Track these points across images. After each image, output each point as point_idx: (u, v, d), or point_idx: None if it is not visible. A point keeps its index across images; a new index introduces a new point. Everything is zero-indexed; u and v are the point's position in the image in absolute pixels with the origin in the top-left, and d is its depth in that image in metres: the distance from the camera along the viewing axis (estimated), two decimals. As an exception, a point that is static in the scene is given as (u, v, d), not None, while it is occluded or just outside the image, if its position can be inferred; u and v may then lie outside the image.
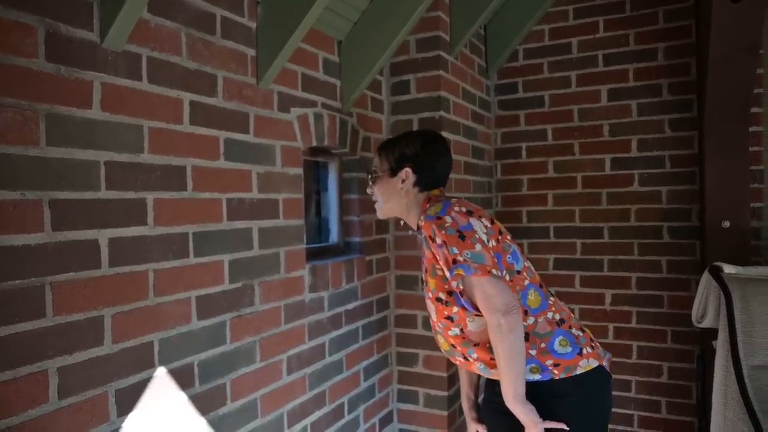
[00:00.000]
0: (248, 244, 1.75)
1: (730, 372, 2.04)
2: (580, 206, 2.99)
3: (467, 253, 1.40)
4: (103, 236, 1.29)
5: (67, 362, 1.20)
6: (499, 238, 1.51)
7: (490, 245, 1.46)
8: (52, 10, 1.19)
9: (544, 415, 1.46)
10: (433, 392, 2.57)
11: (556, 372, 1.49)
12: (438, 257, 1.46)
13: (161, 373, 1.43)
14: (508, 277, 1.48)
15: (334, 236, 2.43)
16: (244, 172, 1.73)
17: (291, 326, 1.94)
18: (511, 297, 1.39)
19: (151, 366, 1.41)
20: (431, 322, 1.65)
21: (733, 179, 2.48)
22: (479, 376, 1.80)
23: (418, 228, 1.60)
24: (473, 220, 1.46)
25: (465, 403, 1.84)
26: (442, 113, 2.52)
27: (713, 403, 2.16)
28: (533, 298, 1.54)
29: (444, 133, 2.53)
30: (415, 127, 2.56)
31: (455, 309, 1.49)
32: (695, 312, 2.30)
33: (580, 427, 1.48)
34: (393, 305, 2.64)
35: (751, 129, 2.51)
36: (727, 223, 2.48)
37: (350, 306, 2.31)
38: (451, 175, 2.62)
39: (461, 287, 1.42)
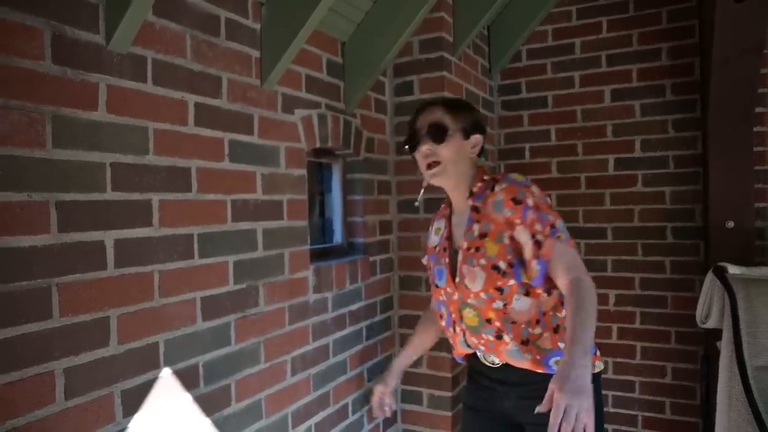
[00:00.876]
0: (253, 245, 1.75)
1: (734, 373, 2.04)
2: (583, 207, 2.99)
3: (559, 222, 1.44)
4: (108, 237, 1.29)
5: (73, 363, 1.21)
6: None
7: None
8: (58, 13, 1.19)
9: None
10: (437, 393, 2.57)
11: None
12: (523, 220, 1.43)
13: (166, 374, 1.44)
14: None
15: (338, 237, 2.43)
16: (248, 174, 1.74)
17: (295, 327, 1.94)
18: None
19: (157, 367, 1.41)
20: (452, 299, 1.58)
21: (737, 179, 2.48)
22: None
23: (472, 194, 1.57)
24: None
25: (397, 365, 1.91)
26: (445, 114, 2.52)
27: (717, 404, 2.16)
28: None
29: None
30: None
31: (511, 282, 1.46)
32: (699, 313, 2.30)
33: (596, 426, 1.50)
34: (397, 306, 2.65)
35: (755, 129, 2.50)
36: (731, 224, 2.48)
37: (354, 307, 2.31)
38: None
39: (545, 252, 1.41)
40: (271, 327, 1.83)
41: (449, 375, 2.54)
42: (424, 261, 1.82)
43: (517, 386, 1.57)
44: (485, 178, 1.60)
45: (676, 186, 2.79)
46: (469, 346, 1.62)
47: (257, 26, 1.78)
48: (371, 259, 2.44)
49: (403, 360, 1.99)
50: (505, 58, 3.06)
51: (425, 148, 1.55)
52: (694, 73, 2.74)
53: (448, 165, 1.55)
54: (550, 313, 1.53)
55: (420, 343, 1.99)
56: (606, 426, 2.94)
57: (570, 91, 3.00)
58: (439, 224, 1.74)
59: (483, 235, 1.52)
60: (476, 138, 1.60)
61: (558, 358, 1.49)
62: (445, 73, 2.52)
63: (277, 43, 1.77)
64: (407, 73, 2.58)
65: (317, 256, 2.20)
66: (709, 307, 2.23)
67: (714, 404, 2.23)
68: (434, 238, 1.74)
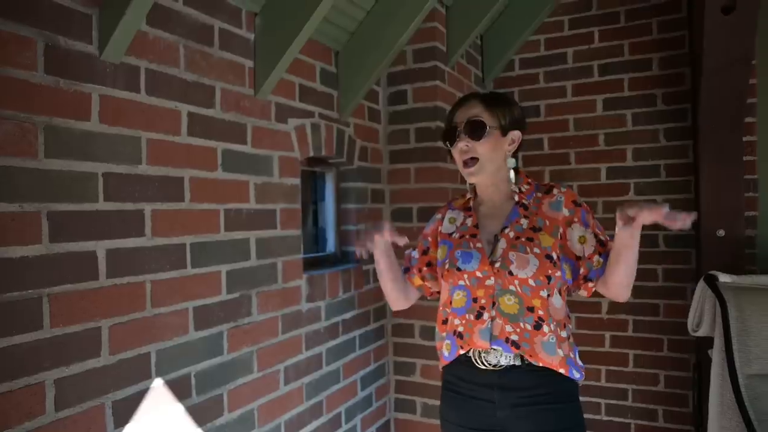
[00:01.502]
0: (246, 255, 1.75)
1: (726, 380, 2.05)
2: (576, 215, 3.00)
3: None
4: (100, 248, 1.29)
5: (64, 374, 1.20)
6: None
7: None
8: (51, 23, 1.19)
9: (563, 418, 1.52)
10: (431, 401, 2.56)
11: (583, 374, 1.57)
12: (582, 220, 1.56)
13: (158, 385, 1.43)
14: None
15: (331, 246, 2.43)
16: (241, 183, 1.74)
17: (288, 336, 1.94)
18: None
19: (148, 377, 1.41)
20: (488, 283, 1.53)
21: (728, 188, 2.50)
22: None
23: (521, 192, 1.61)
24: None
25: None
26: (439, 123, 2.53)
27: (709, 411, 2.17)
28: None
29: (441, 143, 2.54)
30: (413, 137, 2.58)
31: (558, 273, 1.52)
32: (691, 320, 2.31)
33: (583, 429, 1.57)
34: (390, 314, 2.64)
35: (745, 138, 2.53)
36: (722, 232, 2.50)
37: (347, 315, 2.31)
38: (449, 185, 2.65)
39: (602, 249, 1.56)
40: (264, 336, 1.82)
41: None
42: (415, 253, 1.73)
43: (514, 390, 1.52)
44: (530, 181, 1.66)
45: (668, 194, 2.81)
46: (491, 337, 1.52)
47: (251, 36, 1.78)
48: (364, 268, 2.44)
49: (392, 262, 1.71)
50: (498, 67, 3.08)
51: (463, 144, 1.54)
52: (685, 82, 2.77)
53: (485, 162, 1.54)
54: (569, 322, 1.59)
55: (397, 286, 1.74)
56: (599, 434, 2.95)
57: (562, 101, 3.02)
58: (454, 215, 1.70)
59: (536, 229, 1.56)
60: (514, 134, 1.58)
61: (570, 365, 1.53)
62: (438, 82, 2.53)
63: (271, 53, 1.77)
64: (401, 82, 2.59)
65: (310, 265, 2.19)
66: (701, 315, 2.24)
67: (706, 412, 2.24)
68: (448, 226, 1.69)
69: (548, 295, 1.50)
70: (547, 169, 3.05)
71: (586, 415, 2.99)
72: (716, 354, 2.13)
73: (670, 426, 2.81)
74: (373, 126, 2.55)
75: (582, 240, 1.56)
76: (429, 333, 2.55)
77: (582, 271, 1.56)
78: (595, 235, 1.57)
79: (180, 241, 1.51)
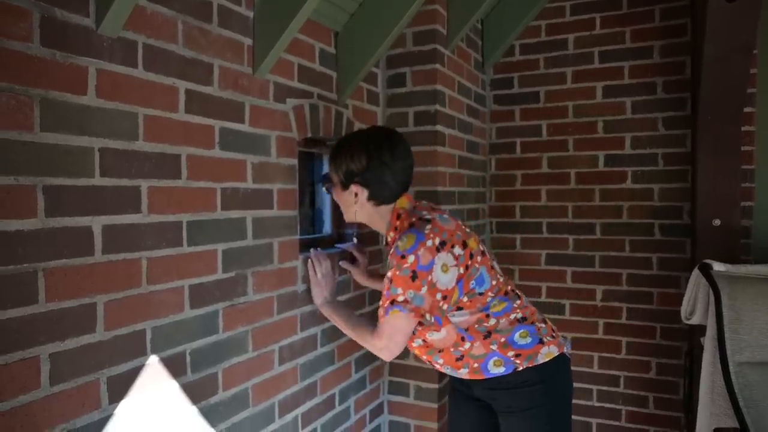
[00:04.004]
0: (242, 234, 1.75)
1: (717, 368, 2.07)
2: (573, 202, 3.01)
3: (410, 293, 1.50)
4: (96, 223, 1.28)
5: (59, 348, 1.20)
6: (469, 263, 1.56)
7: (454, 274, 1.51)
8: (48, -5, 1.18)
9: (522, 402, 1.61)
10: (424, 384, 2.58)
11: (518, 362, 1.59)
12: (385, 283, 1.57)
13: (153, 361, 1.44)
14: (453, 307, 1.57)
15: (327, 227, 2.43)
16: (238, 162, 1.73)
17: (283, 316, 1.94)
18: (401, 345, 1.58)
19: (144, 354, 1.41)
20: None
21: (725, 178, 2.50)
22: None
23: (387, 244, 1.68)
24: (440, 255, 1.50)
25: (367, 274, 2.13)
26: (437, 107, 2.52)
27: (700, 398, 2.19)
28: (497, 305, 1.62)
29: (439, 127, 2.54)
30: (411, 120, 2.57)
31: (417, 327, 1.59)
32: (684, 309, 2.33)
33: (553, 407, 1.63)
34: (385, 298, 2.65)
35: (743, 128, 2.53)
36: (717, 222, 2.51)
37: (343, 297, 2.31)
38: (446, 169, 2.64)
39: (380, 319, 1.58)
40: (260, 316, 1.82)
41: (436, 367, 2.55)
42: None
43: (478, 382, 1.70)
44: (397, 224, 1.66)
45: (665, 183, 2.82)
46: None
47: (250, 14, 1.76)
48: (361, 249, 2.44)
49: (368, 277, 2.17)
50: (498, 52, 3.06)
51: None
52: (685, 71, 2.76)
53: (343, 209, 1.74)
54: (475, 326, 1.60)
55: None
56: (590, 420, 2.98)
57: (562, 87, 3.01)
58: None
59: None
60: (355, 188, 1.64)
61: (496, 358, 1.59)
62: (438, 65, 2.51)
63: (270, 32, 1.75)
64: (400, 64, 2.58)
65: (307, 245, 2.19)
66: (694, 303, 2.26)
67: (696, 399, 2.26)
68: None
69: (423, 340, 1.63)
70: (545, 156, 3.05)
71: (577, 401, 3.02)
72: (708, 342, 2.15)
73: (661, 413, 2.85)
74: (371, 108, 2.54)
75: None
76: (424, 317, 2.56)
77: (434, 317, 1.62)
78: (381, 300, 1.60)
79: (176, 218, 1.50)
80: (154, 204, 1.43)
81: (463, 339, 1.60)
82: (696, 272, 2.25)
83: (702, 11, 2.31)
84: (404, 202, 1.67)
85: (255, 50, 1.77)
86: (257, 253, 1.81)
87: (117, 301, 1.33)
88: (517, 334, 1.60)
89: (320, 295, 1.91)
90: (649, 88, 2.83)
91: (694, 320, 2.27)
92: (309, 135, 2.09)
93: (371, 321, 1.71)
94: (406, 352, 2.61)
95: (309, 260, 1.95)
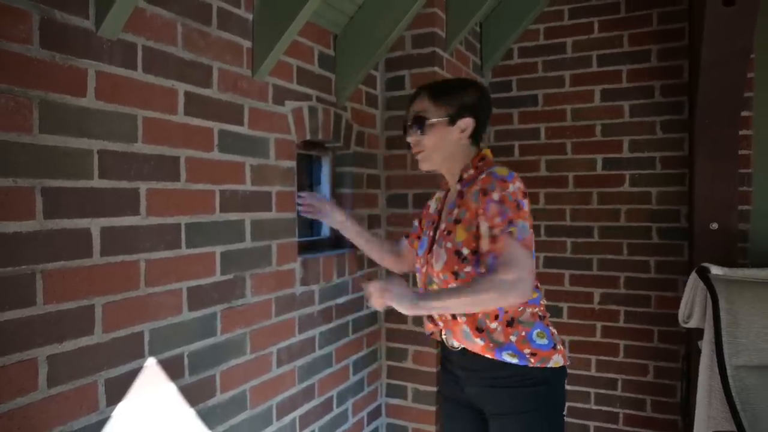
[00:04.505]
0: (240, 236, 1.75)
1: (714, 371, 2.07)
2: (571, 205, 3.01)
3: (520, 222, 1.42)
4: (95, 225, 1.28)
5: (56, 351, 1.20)
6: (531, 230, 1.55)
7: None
8: (48, -3, 1.18)
9: (518, 403, 1.54)
10: (422, 387, 2.58)
11: (532, 360, 1.54)
12: (485, 211, 1.45)
13: (151, 364, 1.43)
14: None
15: (325, 230, 2.43)
16: (237, 164, 1.73)
17: (281, 319, 1.94)
18: (529, 280, 1.39)
19: (141, 356, 1.41)
20: (423, 271, 1.65)
21: (722, 182, 2.51)
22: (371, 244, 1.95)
23: (461, 180, 1.60)
24: (526, 202, 1.49)
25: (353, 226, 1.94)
26: (436, 110, 2.52)
27: (697, 401, 2.20)
28: (533, 293, 1.57)
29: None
30: (409, 123, 2.57)
31: (467, 269, 1.50)
32: (682, 312, 2.33)
33: (549, 414, 1.57)
34: (383, 300, 2.65)
35: (740, 132, 2.54)
36: (715, 225, 2.51)
37: (341, 300, 2.31)
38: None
39: (498, 247, 1.40)
40: (258, 318, 1.82)
41: (434, 370, 2.55)
42: (416, 223, 1.90)
43: (475, 372, 1.61)
44: (479, 164, 1.62)
45: (663, 187, 2.82)
46: (431, 319, 1.68)
47: (249, 16, 1.77)
48: (359, 252, 2.44)
49: (357, 231, 1.96)
50: (497, 55, 3.07)
51: (411, 138, 1.64)
52: (683, 75, 2.77)
53: (432, 153, 1.61)
54: (509, 310, 1.54)
55: (373, 246, 1.98)
56: (588, 423, 2.98)
57: (560, 90, 3.01)
58: (440, 194, 1.80)
59: (457, 221, 1.55)
60: (464, 122, 1.59)
61: (510, 351, 1.52)
62: (436, 68, 2.52)
63: (269, 34, 1.76)
64: (399, 67, 2.58)
65: (305, 248, 2.19)
66: (692, 306, 2.27)
67: (693, 403, 2.26)
68: (432, 204, 1.82)
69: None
70: (543, 159, 3.06)
71: (575, 404, 3.03)
72: (705, 345, 2.16)
73: (658, 416, 2.85)
74: (370, 111, 2.54)
75: (483, 236, 1.47)
76: (421, 320, 2.56)
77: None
78: (491, 229, 1.44)
79: (175, 220, 1.50)
80: (152, 206, 1.43)
81: (496, 317, 1.51)
82: (694, 276, 2.26)
83: (700, 15, 2.32)
84: (488, 151, 1.66)
85: (254, 52, 1.78)
86: (255, 256, 1.81)
87: (115, 303, 1.33)
88: (535, 332, 1.55)
89: (402, 296, 1.40)
90: (647, 92, 2.84)
91: (692, 323, 2.28)
92: (308, 137, 2.09)
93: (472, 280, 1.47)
94: (404, 354, 2.61)
95: (367, 283, 1.52)
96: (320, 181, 2.43)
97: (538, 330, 1.56)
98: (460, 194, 1.60)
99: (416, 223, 1.91)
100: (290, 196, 1.99)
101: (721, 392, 2.01)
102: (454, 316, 1.57)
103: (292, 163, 1.99)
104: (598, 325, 2.96)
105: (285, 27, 1.73)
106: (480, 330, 1.53)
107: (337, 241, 2.44)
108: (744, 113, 2.57)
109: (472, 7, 2.58)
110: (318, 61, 2.15)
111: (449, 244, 1.54)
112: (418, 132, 1.60)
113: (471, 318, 1.54)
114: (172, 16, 1.48)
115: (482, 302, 1.38)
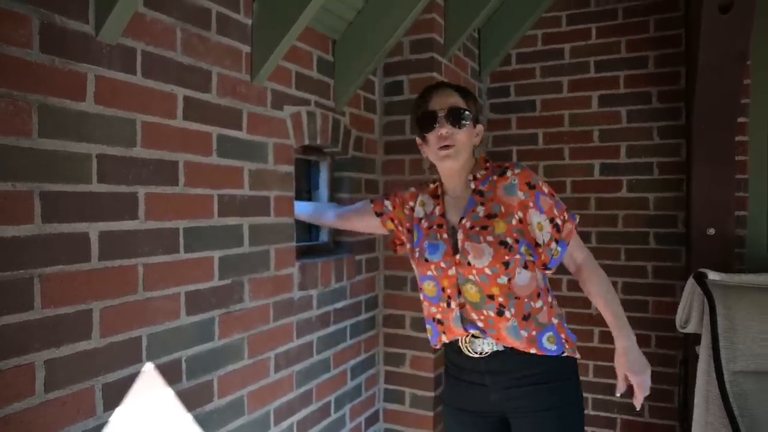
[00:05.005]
0: (238, 241, 1.74)
1: (711, 377, 2.08)
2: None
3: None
4: (93, 229, 1.28)
5: (54, 355, 1.20)
6: None
7: None
8: (47, 1, 1.18)
9: (562, 394, 1.56)
10: (420, 393, 2.58)
11: (566, 347, 1.57)
12: (536, 204, 1.54)
13: (149, 368, 1.43)
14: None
15: (324, 235, 2.43)
16: (236, 169, 1.73)
17: (279, 324, 1.94)
18: None
19: (139, 361, 1.40)
20: (449, 274, 1.58)
21: (719, 187, 2.52)
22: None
23: (476, 179, 1.62)
24: None
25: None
26: (434, 115, 2.52)
27: (695, 407, 2.20)
28: (550, 288, 1.67)
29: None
30: (408, 128, 2.57)
31: (516, 256, 1.52)
32: (679, 317, 2.34)
33: (581, 407, 1.61)
34: (381, 305, 2.65)
35: (737, 138, 2.55)
36: (712, 231, 2.52)
37: (339, 305, 2.31)
38: (443, 178, 2.64)
39: (566, 235, 1.56)
40: (255, 323, 1.82)
41: (431, 375, 2.55)
42: (389, 203, 1.83)
43: (504, 374, 1.58)
44: (487, 165, 1.66)
45: (660, 192, 2.83)
46: (463, 323, 1.59)
47: (248, 21, 1.77)
48: (357, 257, 2.44)
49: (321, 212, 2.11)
50: (495, 61, 3.08)
51: (444, 130, 1.56)
52: (680, 81, 2.79)
53: (461, 149, 1.58)
54: (547, 290, 1.61)
55: (319, 216, 2.10)
56: (586, 429, 2.97)
57: (558, 96, 3.03)
58: (425, 199, 1.74)
59: (491, 216, 1.55)
60: (480, 127, 1.66)
61: (551, 333, 1.55)
62: (435, 74, 2.53)
63: (268, 39, 1.76)
64: (397, 72, 2.59)
65: (303, 253, 2.19)
66: (689, 312, 2.27)
67: (691, 408, 2.27)
68: (419, 210, 1.74)
69: (509, 279, 1.53)
70: (541, 164, 3.06)
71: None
72: (703, 351, 2.16)
73: (656, 421, 2.85)
74: (368, 116, 2.55)
75: (540, 227, 1.55)
76: (419, 324, 2.56)
77: (543, 257, 1.57)
78: (551, 220, 1.55)
79: (173, 225, 1.50)
80: (151, 210, 1.43)
81: (538, 295, 1.55)
82: (691, 281, 2.26)
83: (696, 22, 2.34)
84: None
85: (253, 58, 1.78)
86: (254, 260, 1.81)
87: (113, 308, 1.33)
88: (564, 322, 1.62)
89: (640, 358, 1.63)
90: (644, 98, 2.86)
91: (689, 329, 2.28)
92: (306, 142, 2.10)
93: (600, 278, 1.64)
94: (401, 359, 2.60)
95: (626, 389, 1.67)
96: (318, 186, 2.43)
97: (564, 320, 1.64)
98: (479, 192, 1.60)
99: (389, 205, 1.82)
100: (288, 201, 1.99)
101: (719, 398, 2.01)
102: (500, 313, 1.53)
103: (290, 168, 2.00)
104: (596, 330, 2.96)
105: (284, 32, 1.74)
106: (526, 317, 1.53)
107: (335, 246, 2.44)
108: (740, 119, 2.58)
109: (470, 12, 2.59)
110: (317, 67, 2.15)
111: (490, 238, 1.52)
112: (457, 125, 1.56)
113: (519, 308, 1.53)
114: (171, 21, 1.49)
115: (612, 288, 1.66)
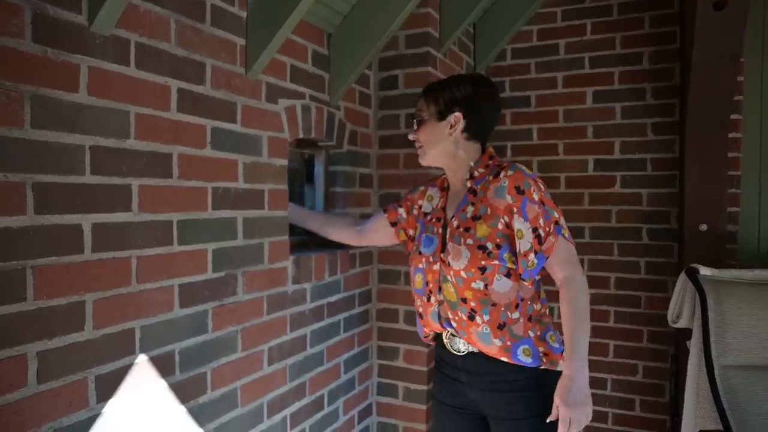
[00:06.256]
0: (232, 234, 1.74)
1: (702, 371, 2.10)
2: (562, 206, 3.00)
3: (562, 221, 1.53)
4: (86, 221, 1.28)
5: (46, 347, 1.20)
6: None
7: None
8: (40, -9, 1.17)
9: (530, 406, 1.53)
10: (413, 386, 2.59)
11: (543, 361, 1.53)
12: (521, 211, 1.49)
13: (142, 361, 1.43)
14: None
15: (318, 229, 2.42)
16: (230, 162, 1.73)
17: (273, 317, 1.94)
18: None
19: (132, 353, 1.40)
20: (432, 269, 1.59)
21: (712, 184, 2.54)
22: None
23: (472, 177, 1.60)
24: None
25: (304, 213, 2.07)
26: (429, 109, 2.52)
27: (685, 401, 2.22)
28: (542, 293, 1.63)
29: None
30: (403, 122, 2.58)
31: (494, 261, 1.50)
32: (671, 312, 2.35)
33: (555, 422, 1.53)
34: (375, 299, 2.66)
35: (730, 135, 2.56)
36: (704, 227, 2.54)
37: (333, 299, 2.32)
38: (438, 172, 2.64)
39: (547, 248, 1.49)
40: (249, 316, 1.82)
41: (425, 369, 2.56)
42: (402, 212, 1.87)
43: (481, 377, 1.59)
44: (489, 163, 1.63)
45: (653, 188, 2.85)
46: (440, 319, 1.61)
47: (243, 14, 1.77)
48: (351, 251, 2.44)
49: (312, 217, 2.11)
50: (490, 56, 3.08)
51: (411, 136, 1.72)
52: (674, 78, 2.80)
53: (426, 149, 1.66)
54: (528, 302, 1.56)
55: (331, 227, 2.07)
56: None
57: (553, 92, 3.03)
58: (433, 192, 1.78)
59: (476, 218, 1.55)
60: (454, 116, 1.60)
61: (526, 346, 1.52)
62: (430, 68, 2.52)
63: (263, 32, 1.76)
64: (392, 67, 2.58)
65: (297, 246, 2.19)
66: (681, 307, 2.29)
67: (682, 402, 2.29)
68: (426, 204, 1.78)
69: (486, 285, 1.51)
70: (536, 160, 3.07)
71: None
72: (694, 345, 2.18)
73: (647, 415, 2.87)
74: (363, 110, 2.54)
75: (519, 235, 1.49)
76: (413, 318, 2.57)
77: (518, 267, 1.51)
78: (534, 230, 1.49)
79: (167, 217, 1.50)
80: (144, 203, 1.43)
81: (517, 306, 1.52)
82: (683, 276, 2.28)
83: (691, 18, 2.35)
84: (492, 150, 1.68)
85: (248, 50, 1.78)
86: (248, 253, 1.81)
87: (106, 300, 1.33)
88: (548, 334, 1.56)
89: (581, 395, 1.50)
90: (639, 94, 2.86)
91: (681, 324, 2.30)
92: (301, 136, 2.09)
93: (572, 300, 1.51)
94: (395, 353, 2.61)
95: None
96: (313, 180, 2.43)
97: (551, 333, 1.58)
98: (473, 192, 1.60)
99: (403, 213, 1.85)
100: (283, 195, 1.99)
101: (709, 392, 2.03)
102: (471, 318, 1.53)
103: (285, 161, 1.99)
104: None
105: (279, 25, 1.73)
106: (501, 327, 1.51)
107: (329, 239, 2.44)
108: (734, 116, 2.59)
109: (466, 7, 2.59)
110: (312, 60, 2.15)
111: (469, 241, 1.52)
112: (415, 128, 1.69)
113: (494, 314, 1.51)
114: (165, 12, 1.48)
115: (587, 309, 1.53)
